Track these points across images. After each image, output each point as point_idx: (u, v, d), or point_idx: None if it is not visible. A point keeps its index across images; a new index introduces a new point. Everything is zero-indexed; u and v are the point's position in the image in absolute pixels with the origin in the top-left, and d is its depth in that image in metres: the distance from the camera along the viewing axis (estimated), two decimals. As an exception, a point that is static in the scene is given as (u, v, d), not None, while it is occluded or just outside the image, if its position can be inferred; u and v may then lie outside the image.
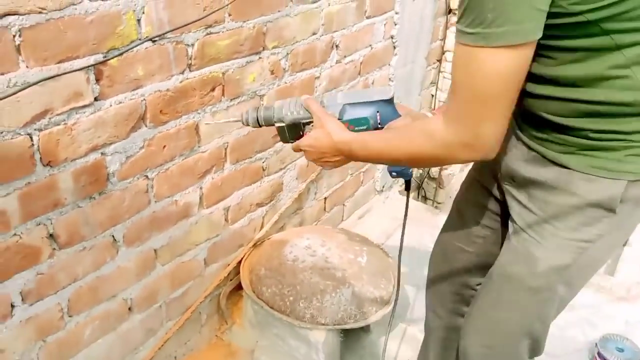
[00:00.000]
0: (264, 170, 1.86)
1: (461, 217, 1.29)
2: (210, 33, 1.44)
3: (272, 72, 1.71)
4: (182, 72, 1.40)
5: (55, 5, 1.06)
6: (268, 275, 1.73)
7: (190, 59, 1.41)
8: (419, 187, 3.00)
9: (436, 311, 1.43)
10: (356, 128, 1.08)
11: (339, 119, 1.09)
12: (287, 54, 1.75)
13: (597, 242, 0.99)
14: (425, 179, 2.98)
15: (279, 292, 1.68)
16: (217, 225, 1.74)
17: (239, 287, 1.89)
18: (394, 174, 1.19)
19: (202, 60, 1.45)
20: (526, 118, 1.00)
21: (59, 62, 1.11)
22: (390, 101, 1.08)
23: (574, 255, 1.00)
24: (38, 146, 1.14)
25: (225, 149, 1.66)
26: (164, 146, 1.44)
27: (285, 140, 1.18)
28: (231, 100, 1.60)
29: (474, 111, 0.86)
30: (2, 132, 1.06)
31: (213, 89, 1.52)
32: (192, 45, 1.40)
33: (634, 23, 0.82)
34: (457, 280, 1.35)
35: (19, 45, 1.03)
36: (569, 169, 0.95)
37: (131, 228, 1.44)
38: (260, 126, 1.18)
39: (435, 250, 1.39)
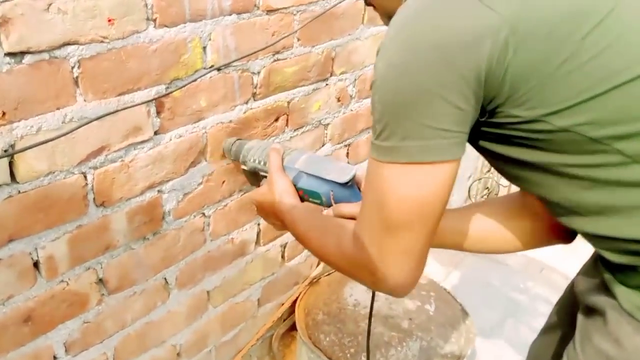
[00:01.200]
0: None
1: (559, 326, 1.06)
2: (278, 59, 1.32)
3: (338, 100, 1.58)
4: (246, 102, 1.29)
5: (118, 34, 0.95)
6: (326, 321, 1.59)
7: (256, 87, 1.29)
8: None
9: None
10: (310, 198, 0.98)
11: (293, 184, 0.98)
12: (355, 79, 1.61)
13: None
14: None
15: (338, 342, 1.53)
16: (273, 263, 1.62)
17: (292, 327, 1.76)
18: None
19: (268, 88, 1.33)
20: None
21: (119, 95, 1.00)
22: (345, 185, 0.94)
23: None
24: (92, 186, 1.03)
25: (286, 182, 1.53)
26: (223, 181, 1.32)
27: (249, 181, 1.11)
28: (295, 130, 1.47)
29: (375, 236, 0.71)
30: (54, 172, 0.95)
31: (277, 119, 1.40)
32: (258, 73, 1.28)
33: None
34: None
35: (77, 77, 0.92)
36: None
37: (184, 269, 1.32)
38: (232, 160, 1.12)
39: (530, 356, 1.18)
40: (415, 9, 0.66)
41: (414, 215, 0.67)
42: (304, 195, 0.97)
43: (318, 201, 0.97)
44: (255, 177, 1.08)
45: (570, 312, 0.90)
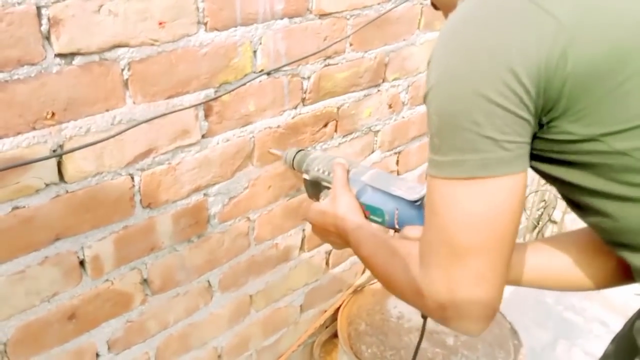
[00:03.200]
0: (371, 211, 1.70)
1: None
2: (329, 65, 1.30)
3: (390, 107, 1.55)
4: (295, 107, 1.27)
5: (169, 37, 0.95)
6: (369, 332, 1.56)
7: (305, 92, 1.27)
8: (537, 229, 2.71)
9: None
10: (371, 216, 0.90)
11: (355, 197, 0.90)
12: (408, 86, 1.57)
13: None
14: (547, 222, 2.70)
15: (380, 355, 1.50)
16: (317, 269, 1.59)
17: (334, 335, 1.73)
18: None
19: (318, 94, 1.31)
20: None
21: (167, 98, 1.00)
22: (413, 204, 0.85)
23: None
24: (139, 187, 1.03)
25: (333, 188, 1.51)
26: (270, 186, 1.31)
27: (308, 194, 1.05)
28: (344, 136, 1.45)
29: (442, 264, 0.63)
30: (102, 173, 0.96)
31: (326, 125, 1.38)
32: (309, 78, 1.26)
33: None
34: None
35: (127, 79, 0.93)
36: None
37: (228, 273, 1.32)
38: (293, 169, 1.09)
39: None
40: (466, 14, 0.61)
41: (482, 236, 0.61)
42: (365, 211, 0.90)
43: (380, 219, 0.89)
44: (316, 188, 1.03)
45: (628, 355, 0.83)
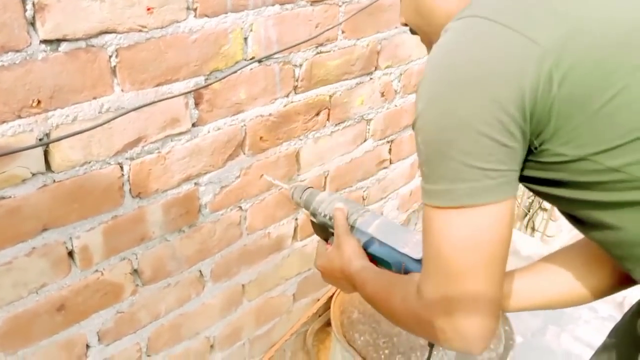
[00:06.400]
0: (364, 199, 1.69)
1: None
2: (321, 52, 1.28)
3: (382, 95, 1.54)
4: (287, 95, 1.25)
5: (157, 23, 0.93)
6: (362, 320, 1.56)
7: (297, 80, 1.26)
8: (527, 217, 2.72)
9: None
10: (379, 265, 0.93)
11: (363, 247, 0.93)
12: (401, 74, 1.56)
13: None
14: (538, 209, 2.70)
15: (372, 342, 1.50)
16: (310, 258, 1.58)
17: (327, 323, 1.73)
18: None
19: (310, 82, 1.29)
20: None
21: (157, 86, 0.98)
22: (419, 261, 0.87)
23: None
24: (128, 177, 1.02)
25: (325, 177, 1.50)
26: (261, 175, 1.29)
27: (316, 234, 1.07)
28: (336, 125, 1.44)
29: (439, 288, 0.66)
30: (90, 162, 0.95)
31: (318, 113, 1.36)
32: (300, 65, 1.25)
33: None
34: None
35: (114, 66, 0.91)
36: None
37: (220, 262, 1.31)
38: (300, 207, 1.10)
39: None
40: (451, 43, 0.63)
41: (474, 261, 0.63)
42: (373, 260, 0.93)
43: (388, 269, 0.92)
44: (324, 231, 1.04)
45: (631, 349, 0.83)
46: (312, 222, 1.06)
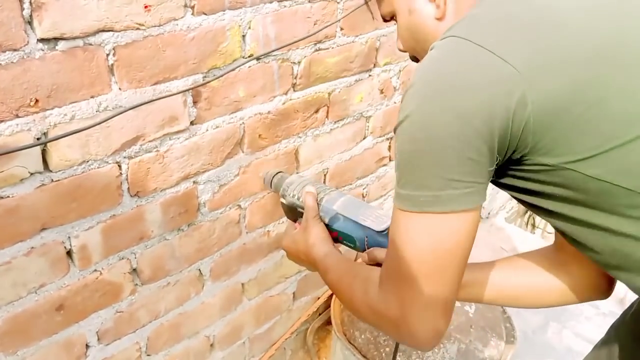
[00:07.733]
0: (364, 197, 1.68)
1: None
2: (320, 49, 1.28)
3: (381, 92, 1.53)
4: (286, 93, 1.25)
5: (155, 21, 0.92)
6: (362, 318, 1.56)
7: (296, 78, 1.25)
8: (528, 214, 2.72)
9: None
10: (344, 241, 0.99)
11: (328, 224, 0.99)
12: (400, 71, 1.56)
13: None
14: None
15: (373, 340, 1.50)
16: (309, 257, 1.58)
17: (327, 321, 1.73)
18: None
19: (308, 79, 1.29)
20: None
21: (154, 84, 0.98)
22: (380, 233, 0.94)
23: None
24: (127, 175, 1.01)
25: (325, 174, 1.50)
26: (260, 174, 1.29)
27: (286, 216, 1.13)
28: (335, 122, 1.43)
29: (397, 287, 0.69)
30: (88, 161, 0.94)
31: (317, 111, 1.36)
32: (299, 63, 1.24)
33: None
34: None
35: (112, 65, 0.90)
36: None
37: (219, 261, 1.31)
38: (272, 191, 1.17)
39: None
40: (428, 60, 0.66)
41: (431, 266, 0.66)
42: (338, 237, 0.98)
43: (351, 244, 0.98)
44: (293, 212, 1.09)
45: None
46: (282, 204, 1.11)
